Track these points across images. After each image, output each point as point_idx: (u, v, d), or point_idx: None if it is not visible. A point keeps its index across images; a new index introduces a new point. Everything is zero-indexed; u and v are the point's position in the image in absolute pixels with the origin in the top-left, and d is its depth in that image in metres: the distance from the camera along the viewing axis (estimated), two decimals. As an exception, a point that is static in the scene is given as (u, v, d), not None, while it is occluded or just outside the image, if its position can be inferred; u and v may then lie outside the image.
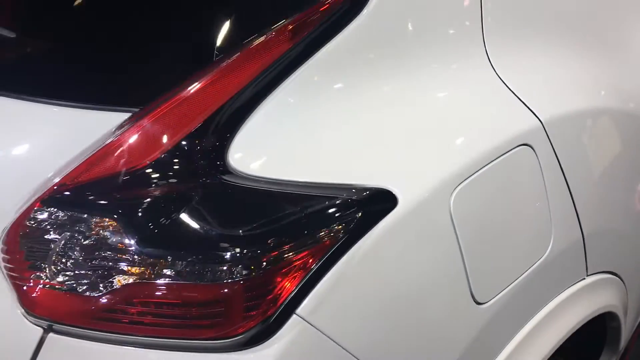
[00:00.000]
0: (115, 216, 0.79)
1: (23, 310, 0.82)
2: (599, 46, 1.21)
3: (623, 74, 1.23)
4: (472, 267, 0.93)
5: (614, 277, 1.29)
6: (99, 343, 0.81)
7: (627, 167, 1.27)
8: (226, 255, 0.77)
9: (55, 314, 0.81)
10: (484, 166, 0.94)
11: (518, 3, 1.11)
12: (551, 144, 1.05)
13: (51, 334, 0.82)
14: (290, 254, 0.78)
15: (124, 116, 0.87)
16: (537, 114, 1.04)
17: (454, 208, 0.90)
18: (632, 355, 1.68)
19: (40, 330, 0.82)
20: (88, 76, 0.92)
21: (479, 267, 0.94)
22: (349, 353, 0.83)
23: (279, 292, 0.78)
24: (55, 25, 0.97)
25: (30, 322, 0.82)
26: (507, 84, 1.04)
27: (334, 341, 0.81)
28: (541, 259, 1.04)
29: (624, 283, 1.34)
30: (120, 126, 0.85)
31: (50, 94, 0.89)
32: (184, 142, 0.83)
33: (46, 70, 0.95)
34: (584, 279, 1.19)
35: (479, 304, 0.95)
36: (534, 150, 1.02)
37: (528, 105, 1.04)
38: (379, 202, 0.85)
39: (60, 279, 0.80)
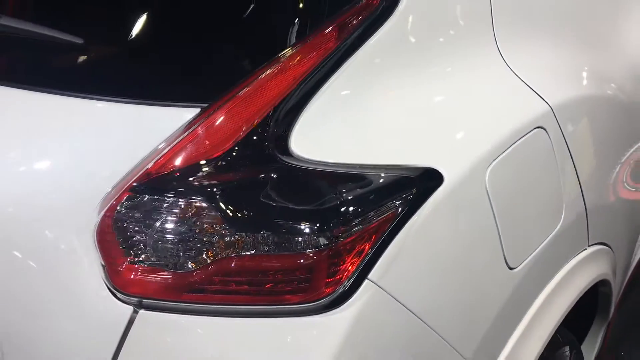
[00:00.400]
0: (201, 198, 0.88)
1: (113, 289, 0.90)
2: (594, 40, 1.35)
3: (615, 66, 1.38)
4: (505, 236, 1.04)
5: (607, 247, 1.44)
6: (190, 315, 0.89)
7: (616, 149, 1.42)
8: (307, 228, 0.86)
9: (147, 291, 0.89)
10: (510, 146, 1.06)
11: (522, 3, 1.24)
12: (560, 126, 1.18)
13: (142, 310, 0.90)
14: (361, 226, 0.88)
15: (190, 111, 0.95)
16: (546, 100, 1.17)
17: (489, 184, 1.02)
18: (613, 327, 1.83)
19: (130, 308, 0.90)
20: (158, 75, 1.00)
21: (510, 236, 1.06)
22: (410, 311, 0.93)
23: (354, 260, 0.88)
24: (123, 27, 1.04)
25: (121, 300, 0.90)
26: (519, 75, 1.17)
27: (398, 301, 0.92)
28: (556, 229, 1.17)
29: (614, 253, 1.48)
30: (194, 120, 0.93)
31: (124, 93, 0.97)
32: (253, 133, 0.92)
33: (118, 70, 1.02)
34: (586, 249, 1.33)
35: (511, 269, 1.07)
36: (547, 132, 1.15)
37: (538, 92, 1.17)
38: (429, 179, 0.96)
39: (152, 258, 0.88)
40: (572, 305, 1.26)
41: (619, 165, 1.42)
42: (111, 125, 0.96)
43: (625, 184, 1.52)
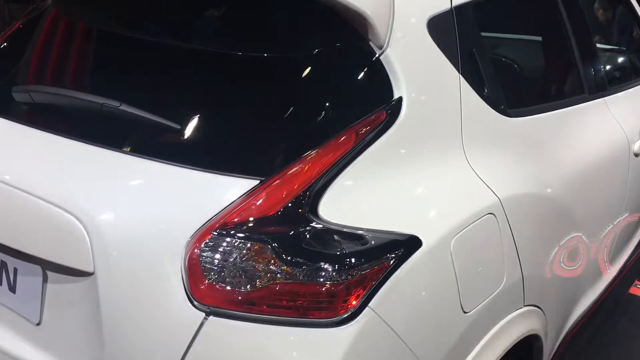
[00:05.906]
0: (260, 242, 1.31)
1: (193, 300, 1.31)
2: (538, 153, 1.85)
3: (551, 173, 1.87)
4: (462, 288, 1.48)
5: (539, 309, 1.88)
6: (246, 322, 1.30)
7: (548, 233, 1.89)
8: (330, 267, 1.29)
9: (217, 302, 1.30)
10: (470, 224, 1.52)
11: (481, 125, 1.72)
12: (505, 213, 1.64)
13: (211, 317, 1.31)
14: (366, 270, 1.32)
15: (248, 182, 1.39)
16: (496, 193, 1.63)
17: (453, 249, 1.46)
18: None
19: (202, 314, 1.31)
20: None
21: (465, 289, 1.50)
22: (395, 332, 1.35)
23: (359, 292, 1.31)
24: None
25: (198, 308, 1.31)
26: (477, 174, 1.64)
27: (387, 323, 1.34)
28: (499, 289, 1.61)
29: (545, 314, 1.92)
30: (256, 189, 1.36)
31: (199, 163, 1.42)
32: (295, 201, 1.36)
33: (197, 140, 1.48)
34: (521, 308, 1.77)
35: (465, 312, 1.50)
36: (496, 217, 1.60)
37: (490, 187, 1.63)
38: (412, 243, 1.40)
39: (226, 279, 1.30)
40: (510, 348, 1.69)
41: (556, 248, 1.89)
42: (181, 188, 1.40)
43: (562, 264, 1.99)
